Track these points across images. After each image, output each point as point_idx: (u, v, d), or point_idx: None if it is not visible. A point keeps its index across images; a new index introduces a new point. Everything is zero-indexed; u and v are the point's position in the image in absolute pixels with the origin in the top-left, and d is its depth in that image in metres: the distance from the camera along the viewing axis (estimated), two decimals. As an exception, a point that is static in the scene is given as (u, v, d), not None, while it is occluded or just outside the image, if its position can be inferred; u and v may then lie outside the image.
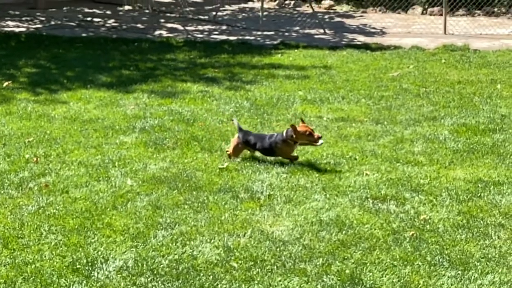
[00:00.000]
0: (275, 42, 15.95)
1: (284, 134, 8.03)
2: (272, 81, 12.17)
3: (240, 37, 16.61)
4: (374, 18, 19.23)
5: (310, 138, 7.99)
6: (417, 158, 8.30)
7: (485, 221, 6.65)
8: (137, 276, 5.79)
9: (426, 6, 19.76)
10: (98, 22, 18.72)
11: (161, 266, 5.92)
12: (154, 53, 14.75)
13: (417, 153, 8.48)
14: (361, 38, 16.30)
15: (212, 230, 6.55)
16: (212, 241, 6.35)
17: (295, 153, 8.17)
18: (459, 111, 10.18)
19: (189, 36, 16.83)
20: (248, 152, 8.34)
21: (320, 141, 8.04)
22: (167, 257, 6.06)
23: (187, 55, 14.54)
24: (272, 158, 8.21)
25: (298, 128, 7.95)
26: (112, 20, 18.88)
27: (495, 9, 19.31)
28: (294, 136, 7.95)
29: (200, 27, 18.07)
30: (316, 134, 8.03)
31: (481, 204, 7.01)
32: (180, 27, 18.03)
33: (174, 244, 6.29)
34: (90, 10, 20.43)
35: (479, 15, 19.17)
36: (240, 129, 8.35)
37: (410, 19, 19.05)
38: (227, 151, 8.41)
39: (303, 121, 8.09)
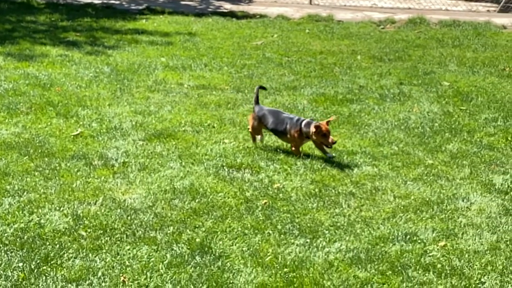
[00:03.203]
0: (140, 7, 15.69)
1: (303, 125, 7.36)
2: (135, 47, 11.97)
3: (105, 1, 16.25)
4: (242, -14, 19.18)
5: (324, 140, 7.29)
6: (275, 127, 8.33)
7: (337, 190, 6.75)
8: (-21, 245, 5.57)
9: (294, -24, 19.86)
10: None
11: (5, 235, 5.71)
12: (13, 14, 14.24)
13: (275, 122, 8.50)
14: (227, 6, 16.24)
15: (62, 198, 6.38)
16: (61, 209, 6.18)
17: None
18: (319, 81, 10.29)
19: (51, -2, 16.33)
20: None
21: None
22: (13, 225, 5.86)
23: (49, 18, 14.10)
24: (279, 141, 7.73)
25: (322, 126, 7.23)
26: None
27: (360, -18, 19.61)
28: (312, 133, 7.28)
29: (64, -11, 17.55)
30: (331, 137, 7.28)
31: (334, 173, 7.10)
32: (42, -12, 17.45)
33: (20, 212, 6.08)
34: None
35: (344, -14, 19.42)
36: (257, 102, 7.73)
37: (278, -12, 19.11)
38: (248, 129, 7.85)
39: (328, 122, 7.37)
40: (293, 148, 7.52)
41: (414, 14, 15.24)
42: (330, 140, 7.27)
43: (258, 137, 7.78)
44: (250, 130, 7.79)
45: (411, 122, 8.62)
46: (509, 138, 8.13)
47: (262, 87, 8.25)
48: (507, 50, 12.42)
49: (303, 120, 7.45)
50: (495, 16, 15.57)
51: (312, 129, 7.28)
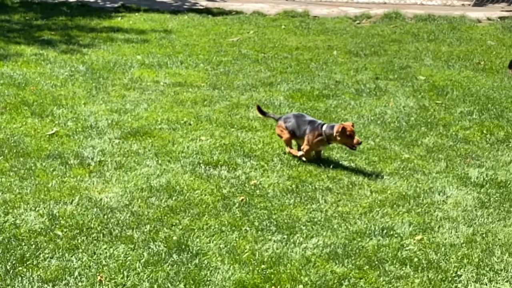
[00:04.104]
0: (115, 5, 15.59)
1: (325, 128, 7.14)
2: (111, 45, 11.91)
3: (80, -1, 16.17)
4: (217, -18, 19.13)
5: (349, 141, 7.07)
6: (251, 123, 8.33)
7: (314, 186, 6.75)
8: (-46, 247, 5.53)
9: (269, -28, 19.85)
10: None
11: (-19, 236, 5.69)
12: (-13, 13, 14.14)
13: (251, 118, 8.50)
14: (203, 3, 16.19)
15: (38, 198, 6.34)
16: (37, 209, 6.15)
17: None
18: (296, 77, 10.29)
19: (26, -4, 16.20)
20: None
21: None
22: (-12, 226, 5.83)
23: (23, 17, 14.00)
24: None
25: (347, 127, 7.01)
26: None
27: (336, -23, 19.65)
28: (336, 133, 7.04)
29: (38, -12, 17.43)
30: (356, 138, 7.08)
31: (310, 169, 7.11)
32: (17, -13, 17.32)
33: (-4, 213, 6.05)
34: None
35: (320, -18, 19.45)
36: (279, 117, 7.57)
37: (253, -16, 19.09)
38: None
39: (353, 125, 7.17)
40: (304, 150, 7.23)
41: (389, 9, 15.27)
42: (355, 141, 7.03)
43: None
44: (288, 150, 7.41)
45: (387, 116, 8.64)
46: (484, 131, 8.17)
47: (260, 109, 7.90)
48: (482, 44, 12.48)
49: (324, 124, 7.22)
50: (470, 10, 15.64)
51: (337, 129, 7.03)
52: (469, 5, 16.46)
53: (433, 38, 12.88)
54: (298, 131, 7.31)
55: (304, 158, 7.26)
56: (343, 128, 7.02)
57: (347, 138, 7.05)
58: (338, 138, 7.07)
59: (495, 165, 7.28)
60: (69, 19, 13.87)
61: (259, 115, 7.87)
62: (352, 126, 7.15)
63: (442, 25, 13.93)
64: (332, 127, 7.11)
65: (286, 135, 7.41)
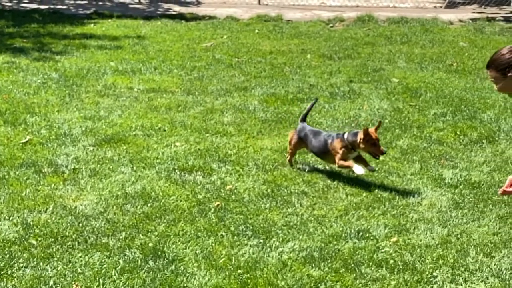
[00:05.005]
0: (88, 12, 15.56)
1: (346, 135, 6.86)
2: (84, 52, 11.87)
3: (52, 6, 16.09)
4: (190, -12, 19.14)
5: (374, 149, 6.77)
6: (226, 128, 8.33)
7: (289, 190, 6.75)
8: None
9: (242, -23, 19.86)
10: None
11: (-46, 246, 5.63)
12: (-42, 22, 14.04)
13: (226, 123, 8.51)
14: (176, 8, 16.19)
15: (12, 207, 6.29)
16: (11, 218, 6.10)
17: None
18: (270, 81, 10.30)
19: (-3, 4, 16.12)
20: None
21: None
22: (-39, 237, 5.77)
23: (-6, 24, 13.93)
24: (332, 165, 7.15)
25: (371, 133, 6.69)
26: None
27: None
28: (360, 140, 6.72)
29: (9, -5, 17.36)
30: (381, 148, 6.79)
31: (285, 173, 7.11)
32: (-12, -5, 17.24)
33: (-31, 223, 6.00)
34: None
35: (293, -14, 19.48)
36: (303, 119, 7.28)
37: (226, -11, 19.09)
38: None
39: (376, 129, 6.78)
40: (340, 162, 6.85)
41: (362, 12, 15.35)
42: (381, 150, 6.75)
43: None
44: (289, 159, 7.29)
45: (361, 119, 8.67)
46: (458, 133, 8.22)
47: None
48: (454, 46, 12.57)
49: (345, 132, 6.97)
50: (442, 12, 15.76)
51: (360, 135, 6.69)
52: (441, 7, 16.57)
53: (406, 41, 12.95)
54: (319, 150, 7.07)
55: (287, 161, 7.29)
56: (367, 135, 6.68)
57: (371, 146, 6.75)
58: (362, 146, 6.73)
59: (469, 166, 7.32)
60: (41, 27, 13.81)
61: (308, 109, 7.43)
62: (380, 124, 6.90)
63: (415, 28, 14.02)
64: (355, 134, 6.82)
65: (290, 149, 7.25)
